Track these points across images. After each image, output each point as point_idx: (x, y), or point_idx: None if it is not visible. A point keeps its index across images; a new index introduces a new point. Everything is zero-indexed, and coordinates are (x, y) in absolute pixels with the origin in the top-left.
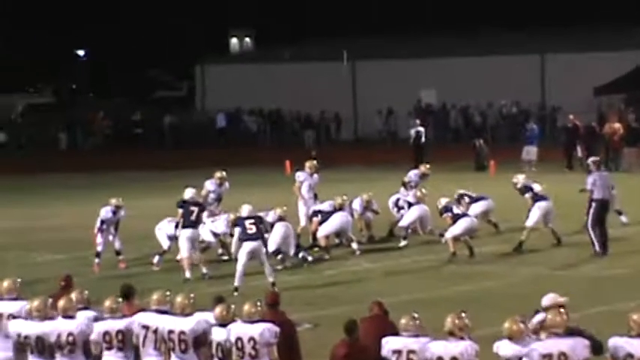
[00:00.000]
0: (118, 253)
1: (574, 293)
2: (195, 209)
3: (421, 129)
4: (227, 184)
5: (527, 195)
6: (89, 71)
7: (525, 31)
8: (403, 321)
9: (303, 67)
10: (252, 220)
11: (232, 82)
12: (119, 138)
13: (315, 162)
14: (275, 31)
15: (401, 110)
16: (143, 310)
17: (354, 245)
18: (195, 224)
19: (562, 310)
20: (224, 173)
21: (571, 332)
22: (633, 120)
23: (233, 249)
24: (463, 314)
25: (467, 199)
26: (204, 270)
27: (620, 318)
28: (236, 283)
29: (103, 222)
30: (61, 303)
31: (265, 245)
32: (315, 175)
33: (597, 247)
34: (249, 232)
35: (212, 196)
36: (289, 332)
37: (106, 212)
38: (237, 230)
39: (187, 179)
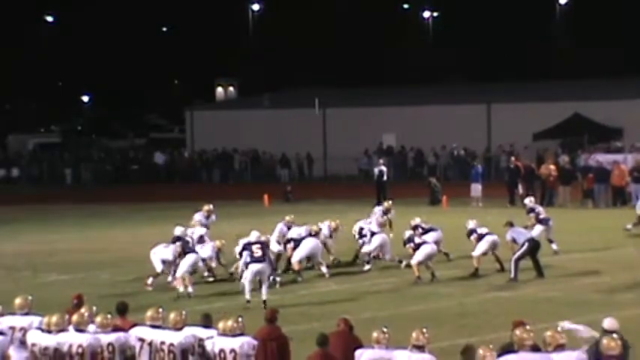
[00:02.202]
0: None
1: (516, 312)
2: (190, 239)
3: (384, 168)
4: (214, 216)
5: (472, 237)
6: (93, 115)
7: (474, 84)
8: (375, 335)
9: (280, 113)
10: (259, 245)
11: (218, 126)
12: (117, 173)
13: (292, 217)
14: (256, 82)
15: (365, 151)
16: (137, 324)
17: (324, 269)
18: (194, 250)
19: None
20: (211, 206)
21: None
22: (567, 162)
23: (239, 269)
24: (424, 329)
25: (420, 230)
26: (190, 289)
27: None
28: (247, 297)
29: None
30: (75, 317)
31: (271, 267)
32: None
33: (514, 276)
34: (256, 255)
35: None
36: (283, 344)
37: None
38: (244, 254)
39: (178, 210)
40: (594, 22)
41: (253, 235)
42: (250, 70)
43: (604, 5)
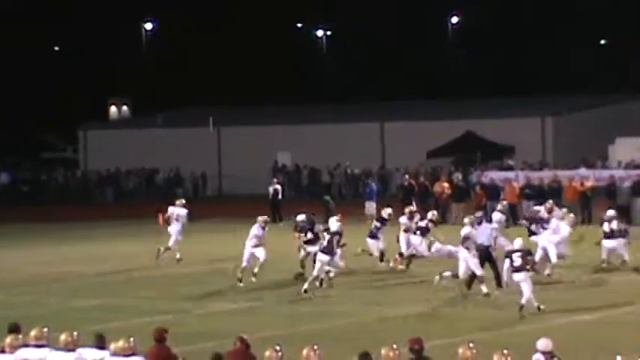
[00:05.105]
0: None
1: (413, 329)
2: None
3: (278, 187)
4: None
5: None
6: None
7: (368, 103)
8: (267, 353)
9: (174, 132)
10: (520, 253)
11: (111, 145)
12: (8, 194)
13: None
14: (149, 101)
15: (260, 170)
16: (26, 345)
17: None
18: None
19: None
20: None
21: None
22: (460, 180)
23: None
24: (315, 346)
25: None
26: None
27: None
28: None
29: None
30: None
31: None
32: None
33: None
34: (516, 264)
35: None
36: None
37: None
38: (506, 261)
39: (71, 231)
40: (487, 42)
41: (517, 243)
42: (144, 89)
43: (497, 25)
